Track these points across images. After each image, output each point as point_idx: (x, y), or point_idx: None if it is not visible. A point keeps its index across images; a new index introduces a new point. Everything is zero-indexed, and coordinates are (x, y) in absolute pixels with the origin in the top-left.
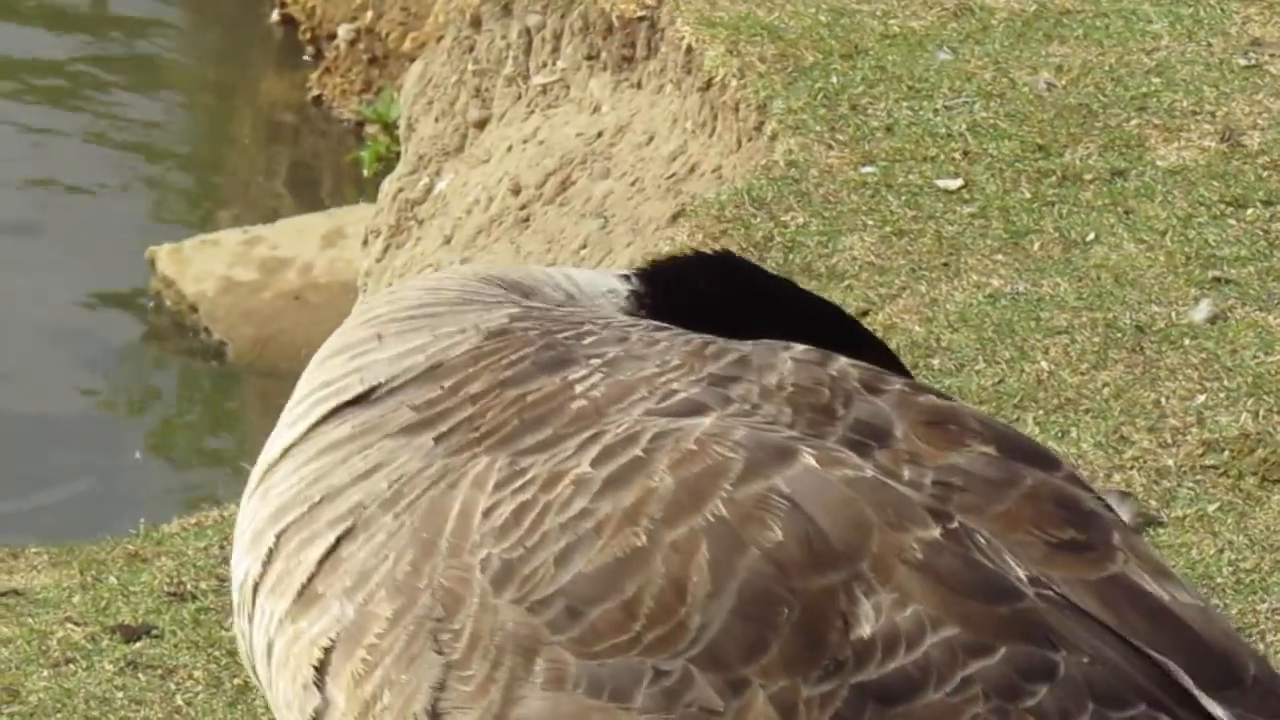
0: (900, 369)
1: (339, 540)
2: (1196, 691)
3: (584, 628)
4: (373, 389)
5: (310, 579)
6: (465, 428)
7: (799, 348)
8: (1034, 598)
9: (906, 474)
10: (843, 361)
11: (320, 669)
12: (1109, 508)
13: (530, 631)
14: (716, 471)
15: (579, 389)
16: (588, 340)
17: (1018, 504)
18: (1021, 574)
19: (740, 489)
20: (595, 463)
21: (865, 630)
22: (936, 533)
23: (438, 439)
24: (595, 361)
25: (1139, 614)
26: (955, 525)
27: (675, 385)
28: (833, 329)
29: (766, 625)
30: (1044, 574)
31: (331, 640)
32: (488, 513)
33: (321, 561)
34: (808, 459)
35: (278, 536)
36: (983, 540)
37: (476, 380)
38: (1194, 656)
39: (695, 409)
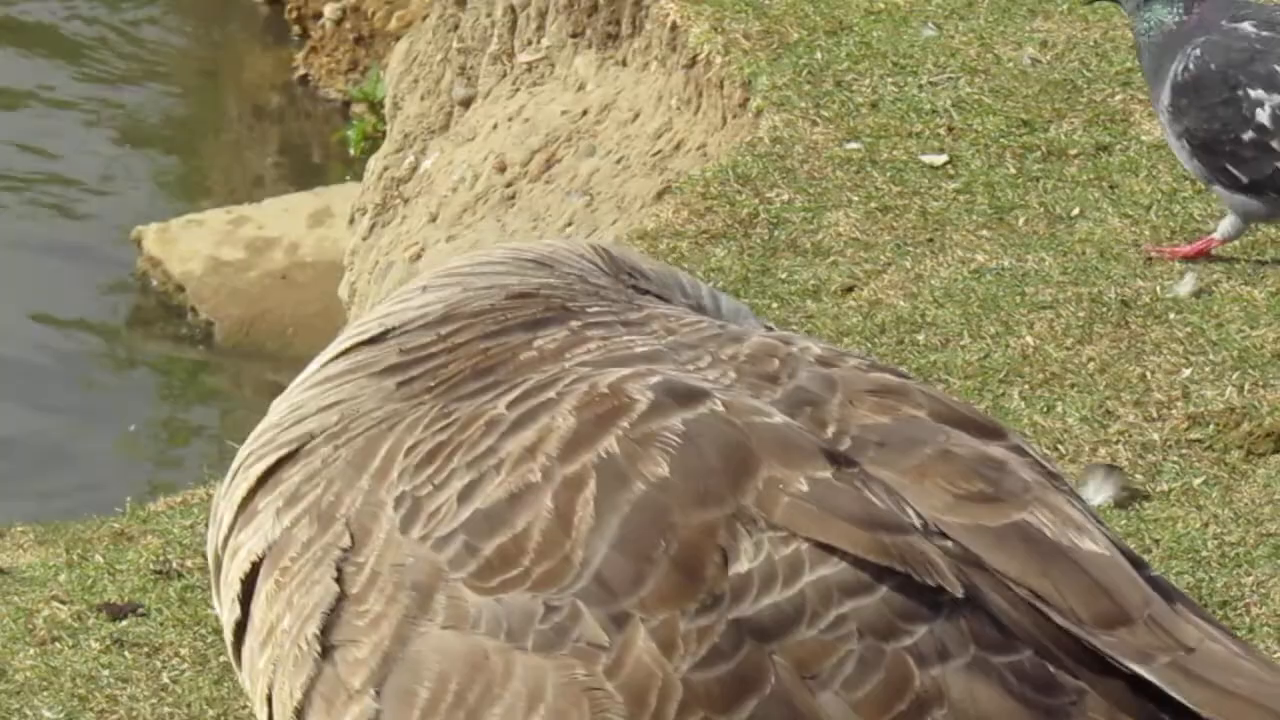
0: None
1: (280, 461)
2: (1076, 629)
3: (480, 563)
4: (388, 331)
5: (251, 493)
6: (428, 376)
7: (778, 331)
8: (923, 538)
9: (828, 432)
10: (808, 343)
11: (246, 583)
12: (1052, 475)
13: (431, 568)
14: (619, 411)
15: (536, 344)
16: (594, 309)
17: (931, 459)
18: (916, 521)
19: (638, 427)
20: (511, 405)
21: (743, 566)
22: (829, 473)
23: (401, 383)
24: (575, 324)
25: (1034, 558)
26: (854, 470)
27: (627, 343)
28: None
29: (645, 559)
30: (942, 520)
31: (259, 556)
32: (409, 452)
33: (263, 479)
34: (715, 404)
35: (249, 452)
36: (880, 486)
37: (466, 332)
38: (1083, 597)
39: (629, 361)
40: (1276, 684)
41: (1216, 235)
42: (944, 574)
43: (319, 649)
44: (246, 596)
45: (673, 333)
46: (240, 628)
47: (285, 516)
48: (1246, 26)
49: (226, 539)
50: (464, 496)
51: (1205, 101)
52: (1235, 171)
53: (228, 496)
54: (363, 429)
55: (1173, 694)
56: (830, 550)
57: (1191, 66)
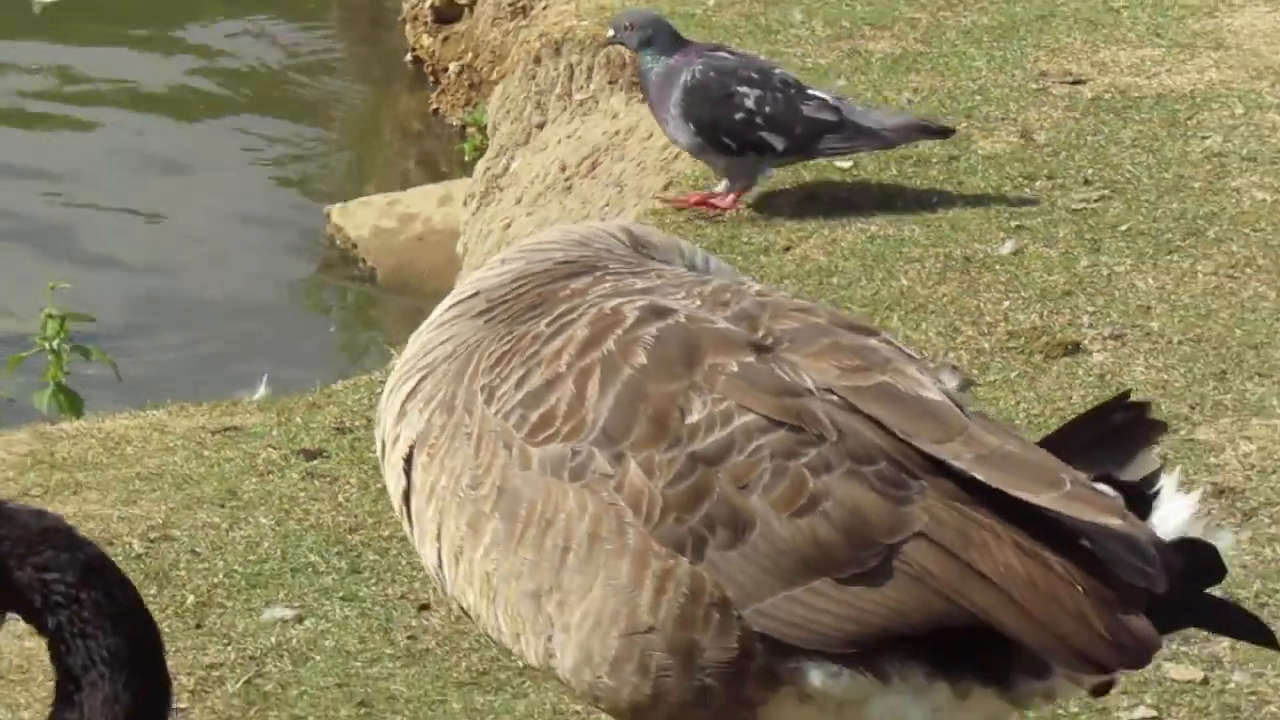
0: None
1: (421, 380)
2: (916, 442)
3: (530, 426)
4: (479, 291)
5: (404, 403)
6: (503, 313)
7: (740, 279)
8: (816, 398)
9: (759, 333)
10: (754, 285)
11: (407, 461)
12: (910, 357)
13: (506, 431)
14: (616, 324)
15: (571, 286)
16: (613, 266)
17: (826, 347)
18: (811, 385)
19: (628, 333)
20: (549, 324)
21: (695, 418)
22: (752, 358)
23: (487, 320)
24: (598, 274)
25: (890, 402)
26: (770, 355)
27: (630, 284)
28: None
29: (632, 416)
30: (832, 385)
31: (412, 442)
32: (487, 358)
33: (410, 393)
34: (680, 317)
35: (398, 377)
36: (788, 364)
37: (527, 285)
38: (922, 424)
39: (629, 294)
40: (1045, 468)
41: (719, 189)
42: (824, 425)
43: (472, 493)
44: (407, 470)
45: (663, 278)
46: (405, 493)
47: (425, 412)
48: (723, 54)
49: (388, 433)
50: (519, 384)
51: (710, 96)
52: (729, 141)
53: (387, 407)
54: (464, 350)
55: (972, 473)
56: (751, 409)
57: (697, 75)
